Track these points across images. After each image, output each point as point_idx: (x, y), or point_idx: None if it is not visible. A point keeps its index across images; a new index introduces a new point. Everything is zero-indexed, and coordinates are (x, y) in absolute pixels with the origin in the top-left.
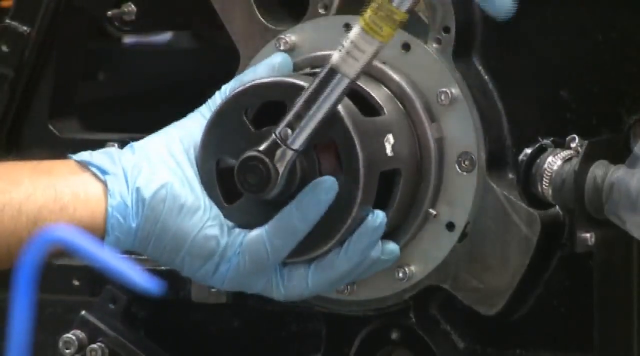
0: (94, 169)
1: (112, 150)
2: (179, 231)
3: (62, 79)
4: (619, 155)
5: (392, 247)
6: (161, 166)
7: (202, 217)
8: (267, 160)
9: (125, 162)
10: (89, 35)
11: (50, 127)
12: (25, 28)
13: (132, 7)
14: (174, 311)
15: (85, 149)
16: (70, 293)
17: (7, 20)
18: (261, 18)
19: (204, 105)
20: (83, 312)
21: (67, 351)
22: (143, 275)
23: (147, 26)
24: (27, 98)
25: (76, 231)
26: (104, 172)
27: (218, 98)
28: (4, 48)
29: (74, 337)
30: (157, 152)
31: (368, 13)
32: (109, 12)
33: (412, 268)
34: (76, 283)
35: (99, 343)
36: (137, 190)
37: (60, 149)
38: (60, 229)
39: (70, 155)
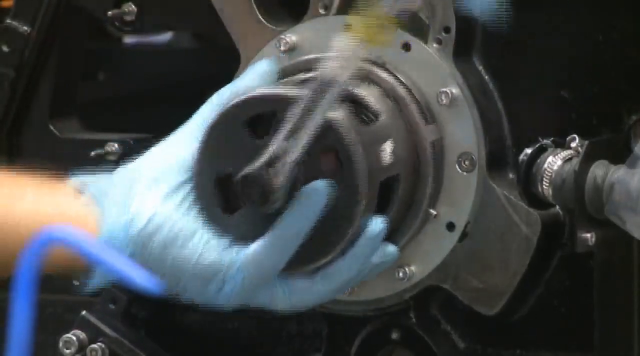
0: (90, 195)
1: (106, 177)
2: (176, 260)
3: (62, 79)
4: (620, 155)
5: (391, 249)
6: (153, 193)
7: (200, 241)
8: (267, 174)
9: (119, 186)
10: (89, 35)
11: (51, 127)
12: (25, 28)
13: (133, 7)
14: (174, 311)
15: (85, 149)
16: (70, 293)
17: (8, 20)
18: (261, 18)
19: (191, 121)
20: (83, 312)
21: (68, 351)
22: (143, 275)
23: (147, 26)
24: (27, 98)
25: (77, 231)
26: (99, 199)
27: (206, 110)
28: (4, 48)
29: (74, 337)
30: (148, 177)
31: (355, 17)
32: (109, 12)
33: (413, 268)
34: (76, 283)
35: (99, 343)
36: (131, 221)
37: (60, 149)
38: (61, 229)
39: (70, 175)
